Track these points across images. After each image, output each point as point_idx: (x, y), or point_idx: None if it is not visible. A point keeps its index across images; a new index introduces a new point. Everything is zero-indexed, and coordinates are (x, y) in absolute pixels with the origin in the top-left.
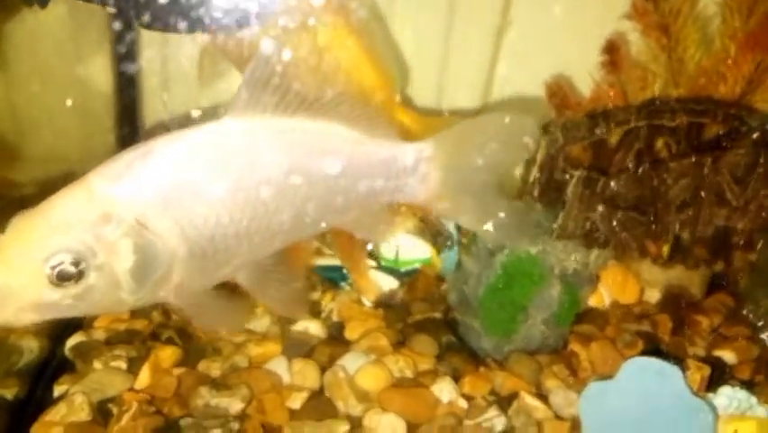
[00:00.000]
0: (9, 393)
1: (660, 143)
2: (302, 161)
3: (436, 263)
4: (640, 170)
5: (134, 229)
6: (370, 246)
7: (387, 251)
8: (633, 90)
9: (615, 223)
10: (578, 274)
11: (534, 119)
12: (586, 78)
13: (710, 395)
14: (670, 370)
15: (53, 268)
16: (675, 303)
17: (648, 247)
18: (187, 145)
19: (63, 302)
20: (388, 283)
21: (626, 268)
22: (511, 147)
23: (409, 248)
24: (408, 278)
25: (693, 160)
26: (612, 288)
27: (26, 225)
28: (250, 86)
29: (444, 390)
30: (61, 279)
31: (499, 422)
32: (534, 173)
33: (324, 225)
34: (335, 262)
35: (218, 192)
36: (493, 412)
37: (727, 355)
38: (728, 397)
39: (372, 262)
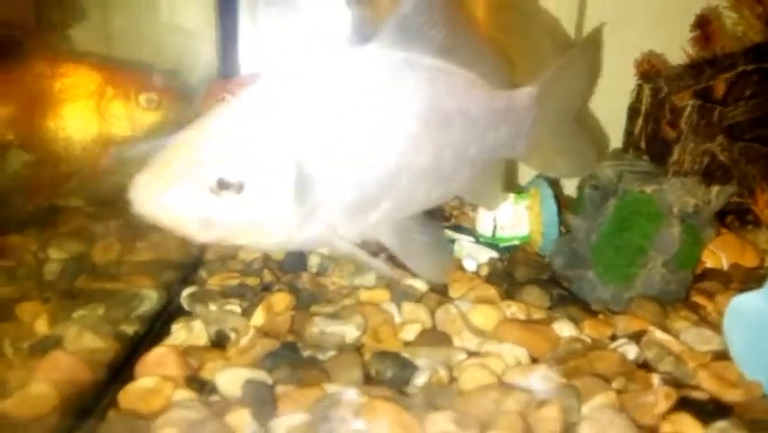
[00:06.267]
0: (130, 329)
1: None
2: (443, 101)
3: (536, 240)
4: (759, 97)
5: (292, 148)
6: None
7: (484, 228)
8: None
9: (736, 153)
10: (698, 214)
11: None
12: (679, 55)
13: None
14: None
15: (214, 176)
16: None
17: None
18: (335, 71)
19: (223, 215)
20: (487, 254)
21: (742, 237)
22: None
23: (507, 226)
24: (507, 253)
25: None
26: (730, 253)
27: (186, 141)
28: (398, 19)
29: (565, 328)
30: (222, 186)
31: (631, 350)
32: (640, 125)
33: (455, 184)
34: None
35: (367, 123)
36: (623, 340)
37: None
38: None
39: (470, 239)
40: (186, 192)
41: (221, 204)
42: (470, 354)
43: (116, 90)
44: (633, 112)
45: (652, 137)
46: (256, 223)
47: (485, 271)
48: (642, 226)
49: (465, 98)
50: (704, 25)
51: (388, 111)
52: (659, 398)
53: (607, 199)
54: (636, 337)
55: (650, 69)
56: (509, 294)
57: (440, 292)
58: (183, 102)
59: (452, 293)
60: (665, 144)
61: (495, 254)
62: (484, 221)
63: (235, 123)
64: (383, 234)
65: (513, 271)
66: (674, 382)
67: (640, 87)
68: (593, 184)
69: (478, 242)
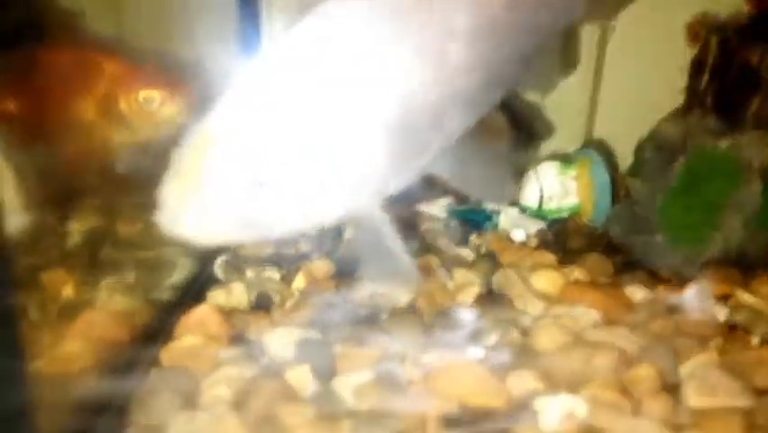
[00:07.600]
0: (164, 296)
1: None
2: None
3: (587, 211)
4: None
5: (320, 125)
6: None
7: (530, 200)
8: None
9: None
10: None
11: None
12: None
13: None
14: None
15: (248, 177)
16: None
17: None
18: (354, 8)
19: (264, 213)
20: (536, 225)
21: None
22: None
23: (555, 197)
24: (556, 224)
25: None
26: None
27: (207, 141)
28: None
29: (637, 292)
30: (258, 184)
31: (720, 311)
32: (705, 80)
33: (508, 81)
34: (476, 206)
35: (402, 57)
36: (711, 302)
37: None
38: None
39: (516, 209)
40: (222, 201)
41: (260, 202)
42: (538, 317)
43: (109, 85)
44: (698, 66)
45: (718, 95)
46: (301, 213)
47: (533, 242)
48: (717, 184)
49: None
50: None
51: (414, 42)
52: None
53: (671, 161)
54: (721, 300)
55: (701, 32)
56: (567, 262)
57: (491, 259)
58: (197, 101)
59: (503, 261)
60: (734, 103)
61: (543, 225)
62: (530, 192)
63: (252, 112)
64: (437, 168)
65: (565, 242)
66: None
67: (706, 39)
68: (654, 145)
69: (523, 212)
